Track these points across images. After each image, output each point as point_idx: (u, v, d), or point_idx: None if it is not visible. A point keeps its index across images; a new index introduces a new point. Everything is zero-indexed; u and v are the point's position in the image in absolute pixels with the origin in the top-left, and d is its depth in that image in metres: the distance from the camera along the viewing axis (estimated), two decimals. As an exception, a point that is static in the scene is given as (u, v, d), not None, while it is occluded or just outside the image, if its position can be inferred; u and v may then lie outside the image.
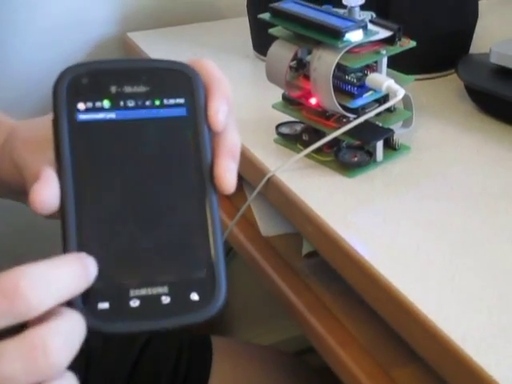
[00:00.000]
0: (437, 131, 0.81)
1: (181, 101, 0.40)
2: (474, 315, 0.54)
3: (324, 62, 0.68)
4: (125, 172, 0.40)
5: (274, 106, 0.78)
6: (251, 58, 1.04)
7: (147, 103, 0.40)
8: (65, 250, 0.39)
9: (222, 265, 0.40)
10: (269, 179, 0.74)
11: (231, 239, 0.86)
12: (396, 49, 0.71)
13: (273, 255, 0.83)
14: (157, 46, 1.09)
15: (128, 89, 0.40)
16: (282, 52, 0.73)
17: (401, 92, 0.68)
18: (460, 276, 0.58)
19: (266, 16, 0.73)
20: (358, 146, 0.74)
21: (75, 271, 0.37)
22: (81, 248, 0.39)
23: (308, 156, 0.74)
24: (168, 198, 0.40)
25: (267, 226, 0.85)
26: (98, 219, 0.39)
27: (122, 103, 0.40)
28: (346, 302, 0.71)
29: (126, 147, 0.40)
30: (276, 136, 0.79)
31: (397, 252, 0.61)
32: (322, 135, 0.75)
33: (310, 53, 0.72)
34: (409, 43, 0.71)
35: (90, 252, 0.39)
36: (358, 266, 0.61)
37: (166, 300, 0.39)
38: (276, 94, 0.78)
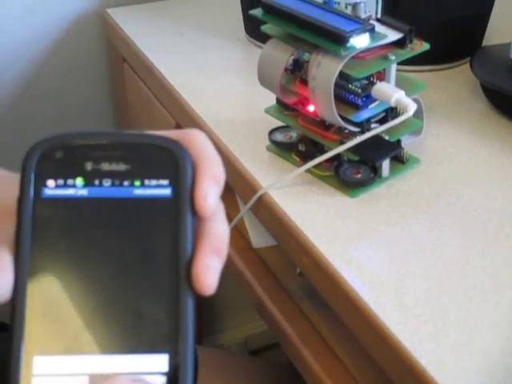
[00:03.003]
0: (449, 138, 0.72)
1: (164, 182, 0.35)
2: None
3: (324, 70, 0.59)
4: (89, 261, 0.34)
5: (266, 111, 0.69)
6: (242, 41, 0.93)
7: (126, 183, 0.35)
8: (12, 350, 0.33)
9: None
10: (260, 196, 0.65)
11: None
12: (407, 53, 0.61)
13: (264, 272, 0.75)
14: (138, 24, 0.99)
15: (105, 166, 0.35)
16: (276, 54, 0.63)
17: (412, 107, 0.59)
18: (481, 336, 0.50)
19: (258, 12, 0.63)
20: (361, 160, 0.65)
21: None
22: (29, 352, 0.32)
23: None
24: (134, 296, 0.34)
25: (259, 238, 0.77)
26: (51, 317, 0.33)
27: (97, 182, 0.35)
28: (346, 334, 0.63)
29: (95, 231, 0.35)
30: (269, 143, 0.71)
31: (406, 299, 0.53)
32: (320, 146, 0.67)
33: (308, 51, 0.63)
34: (421, 46, 0.62)
35: (40, 355, 0.32)
36: (362, 315, 0.53)
37: None
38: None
